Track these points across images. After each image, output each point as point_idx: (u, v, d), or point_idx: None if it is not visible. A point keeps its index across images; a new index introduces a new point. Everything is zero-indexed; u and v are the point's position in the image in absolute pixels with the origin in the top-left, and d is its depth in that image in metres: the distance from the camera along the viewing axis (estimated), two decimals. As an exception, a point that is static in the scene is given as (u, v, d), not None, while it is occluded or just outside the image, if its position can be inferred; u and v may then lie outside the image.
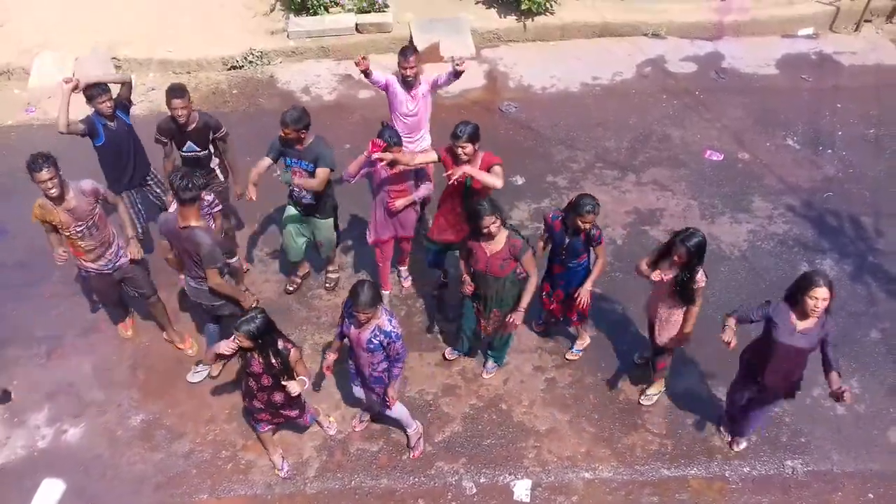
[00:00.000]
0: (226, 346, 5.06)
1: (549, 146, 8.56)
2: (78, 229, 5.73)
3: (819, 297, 4.88)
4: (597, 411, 6.31)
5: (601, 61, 9.66)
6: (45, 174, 5.43)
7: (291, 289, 7.11)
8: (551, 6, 9.92)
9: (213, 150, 6.62)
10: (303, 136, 6.02)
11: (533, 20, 9.93)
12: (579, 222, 5.57)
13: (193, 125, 6.41)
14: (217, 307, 5.92)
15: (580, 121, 8.86)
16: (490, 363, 6.48)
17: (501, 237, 5.52)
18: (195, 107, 6.55)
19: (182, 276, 5.92)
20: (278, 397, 5.33)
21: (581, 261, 5.91)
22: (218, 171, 6.73)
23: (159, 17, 9.94)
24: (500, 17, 10.01)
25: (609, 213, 7.79)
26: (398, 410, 5.74)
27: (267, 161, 6.17)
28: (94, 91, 6.25)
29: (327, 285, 7.15)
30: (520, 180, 8.14)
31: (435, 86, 6.76)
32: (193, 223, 5.44)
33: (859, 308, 6.99)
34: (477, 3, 10.20)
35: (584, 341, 6.60)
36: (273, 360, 5.05)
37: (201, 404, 6.33)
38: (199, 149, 6.51)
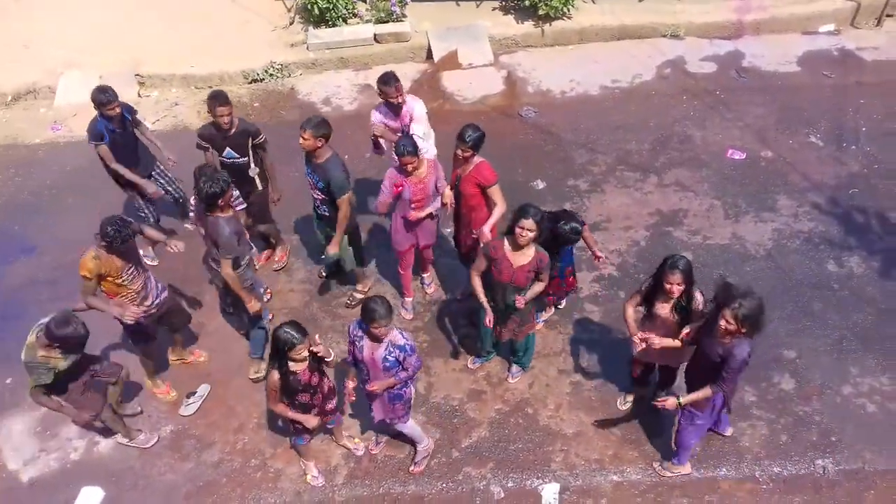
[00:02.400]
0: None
1: (569, 150, 8.56)
2: (129, 271, 5.71)
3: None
4: (623, 413, 6.28)
5: (620, 64, 9.64)
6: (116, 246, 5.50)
7: (325, 273, 7.28)
8: (568, 10, 9.92)
9: (251, 158, 6.72)
10: (319, 145, 6.05)
11: (550, 25, 9.93)
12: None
13: (233, 131, 6.55)
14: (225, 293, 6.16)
15: (600, 124, 8.85)
16: (514, 368, 6.48)
17: (531, 249, 5.49)
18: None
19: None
20: (326, 388, 5.39)
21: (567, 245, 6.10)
22: (257, 180, 6.83)
23: (181, 33, 10.09)
24: (518, 22, 10.03)
25: (631, 214, 7.78)
26: (410, 427, 5.76)
27: None
28: (102, 98, 6.51)
29: (348, 301, 7.16)
30: (541, 184, 8.14)
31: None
32: (219, 213, 5.66)
33: (889, 304, 6.90)
34: (494, 9, 10.23)
35: (549, 312, 6.78)
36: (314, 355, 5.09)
37: (229, 414, 6.39)
38: (237, 155, 6.63)
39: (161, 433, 6.28)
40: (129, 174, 6.86)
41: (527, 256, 5.49)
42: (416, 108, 6.64)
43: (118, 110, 6.61)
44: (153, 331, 6.17)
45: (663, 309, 5.32)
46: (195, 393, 6.48)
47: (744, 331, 4.76)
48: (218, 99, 6.40)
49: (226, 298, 6.30)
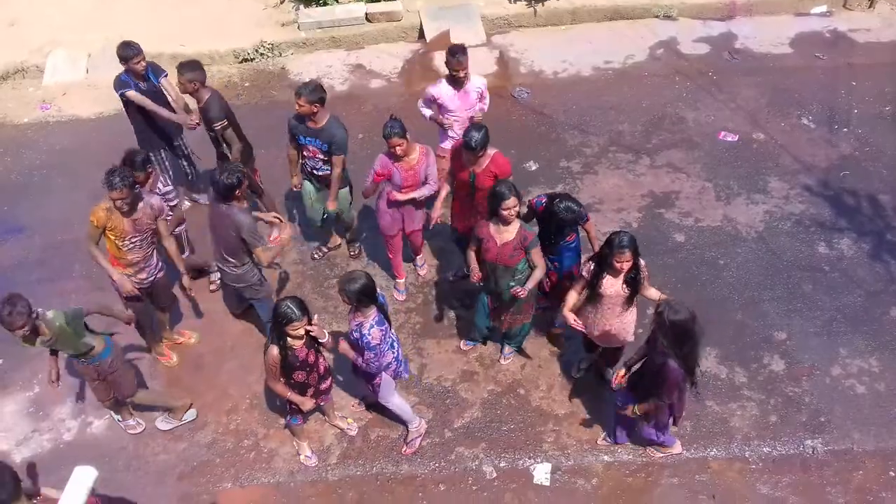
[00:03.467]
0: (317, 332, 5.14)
1: (561, 131, 8.54)
2: (132, 240, 5.70)
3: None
4: (615, 394, 6.31)
5: (613, 44, 9.61)
6: (116, 194, 5.39)
7: (317, 256, 7.33)
8: (561, -10, 9.88)
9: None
10: (315, 110, 6.09)
11: (543, 5, 9.88)
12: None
13: (201, 105, 6.59)
14: (241, 289, 6.15)
15: (593, 105, 8.83)
16: (507, 349, 6.50)
17: (514, 227, 5.53)
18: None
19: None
20: (322, 367, 5.42)
21: (570, 241, 6.00)
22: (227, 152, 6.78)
23: (170, 11, 9.98)
24: (510, 2, 9.97)
25: (624, 196, 7.78)
26: (397, 404, 5.78)
27: (293, 151, 6.44)
28: (128, 52, 6.50)
29: (352, 253, 7.33)
30: (533, 166, 8.14)
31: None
32: (236, 203, 5.66)
33: (878, 287, 6.95)
34: (486, -11, 10.17)
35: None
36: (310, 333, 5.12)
37: (222, 395, 6.40)
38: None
39: (154, 414, 6.28)
40: (166, 113, 6.76)
41: (510, 233, 5.53)
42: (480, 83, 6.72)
43: (143, 64, 6.61)
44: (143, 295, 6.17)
45: (612, 286, 5.35)
46: (170, 412, 6.25)
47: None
48: (178, 68, 6.50)
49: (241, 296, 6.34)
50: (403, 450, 6.02)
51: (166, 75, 6.96)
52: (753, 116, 8.62)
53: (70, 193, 7.69)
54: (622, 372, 5.37)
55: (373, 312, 5.09)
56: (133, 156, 5.79)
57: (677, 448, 5.88)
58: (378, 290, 5.20)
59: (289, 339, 5.00)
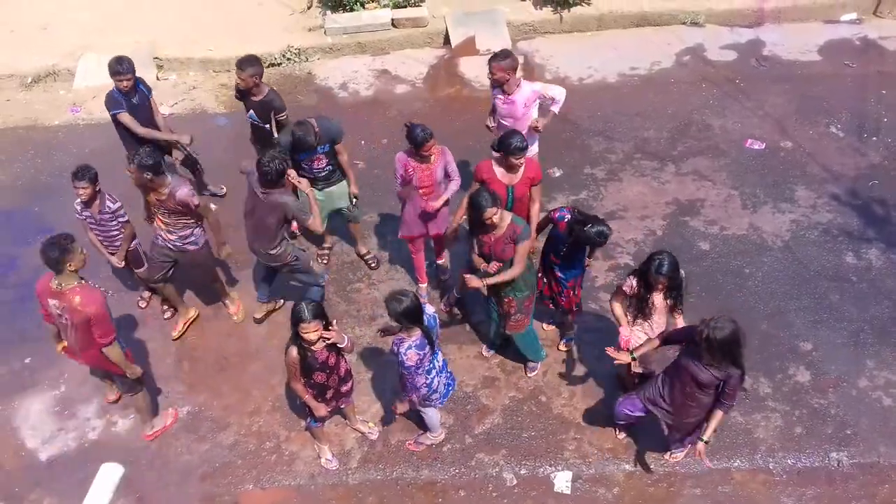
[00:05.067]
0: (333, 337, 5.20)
1: (586, 137, 8.52)
2: (162, 211, 6.14)
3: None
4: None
5: (639, 51, 9.57)
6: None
7: (325, 262, 7.35)
8: (587, -4, 9.86)
9: (273, 127, 6.89)
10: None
11: (569, 11, 9.86)
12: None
13: (259, 98, 6.79)
14: (280, 268, 6.44)
15: (618, 111, 8.80)
16: (530, 363, 6.46)
17: (504, 222, 5.51)
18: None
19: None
20: (343, 370, 5.44)
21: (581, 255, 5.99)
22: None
23: (199, 16, 10.10)
24: (536, 8, 9.97)
25: (648, 203, 7.74)
26: (430, 415, 5.78)
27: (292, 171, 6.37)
28: (118, 67, 6.66)
29: (372, 265, 7.34)
30: (557, 172, 8.11)
31: (541, 98, 6.63)
32: (278, 189, 5.92)
33: (907, 298, 6.86)
34: (512, -5, 10.18)
35: (573, 329, 6.61)
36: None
37: (245, 397, 6.44)
38: (259, 120, 6.92)
39: (177, 414, 6.34)
40: (157, 134, 6.99)
41: (501, 230, 5.52)
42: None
43: (130, 83, 6.74)
44: (163, 267, 6.47)
45: (658, 298, 5.36)
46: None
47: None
48: (237, 62, 6.71)
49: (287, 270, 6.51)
50: (407, 443, 6.06)
51: (152, 93, 7.14)
52: (781, 124, 8.53)
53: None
54: (625, 334, 5.42)
55: (416, 333, 5.04)
56: (82, 170, 5.99)
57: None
58: (429, 314, 5.19)
59: (303, 340, 5.03)
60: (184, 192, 6.02)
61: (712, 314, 4.81)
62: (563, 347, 6.60)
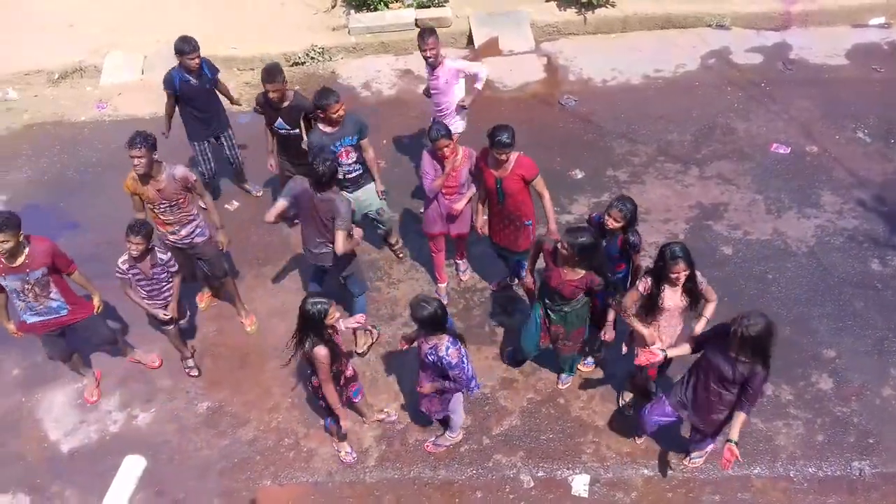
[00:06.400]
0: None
1: (609, 139, 8.48)
2: (162, 206, 6.09)
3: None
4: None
5: (663, 53, 9.51)
6: (135, 151, 5.80)
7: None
8: (612, -2, 9.82)
9: (303, 131, 6.89)
10: (343, 113, 6.27)
11: (593, 12, 9.83)
12: (607, 219, 5.51)
13: (285, 104, 6.73)
14: (332, 269, 6.29)
15: (642, 113, 8.75)
16: (563, 375, 6.40)
17: (582, 269, 5.42)
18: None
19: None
20: (342, 349, 5.49)
21: (619, 270, 5.83)
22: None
23: (223, 15, 10.17)
24: (560, 10, 9.94)
25: (672, 207, 7.69)
26: (457, 417, 5.80)
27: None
28: (184, 47, 6.79)
29: (400, 255, 7.39)
30: (579, 174, 8.08)
31: (464, 75, 6.93)
32: (331, 190, 5.84)
33: (934, 306, 6.76)
34: (536, -4, 10.16)
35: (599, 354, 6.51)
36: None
37: (265, 393, 6.47)
38: (289, 126, 6.83)
39: (198, 409, 6.39)
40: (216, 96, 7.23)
41: (576, 274, 5.42)
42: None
43: (197, 62, 6.89)
44: (188, 266, 6.53)
45: (672, 298, 5.28)
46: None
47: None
48: (266, 74, 6.62)
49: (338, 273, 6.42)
50: (426, 444, 6.06)
51: (219, 73, 7.28)
52: (807, 128, 8.44)
53: (122, 191, 7.82)
54: (658, 354, 5.23)
55: (445, 335, 5.09)
56: (139, 225, 5.75)
57: (711, 445, 5.78)
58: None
59: (329, 330, 5.11)
60: (181, 168, 6.07)
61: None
62: (586, 369, 6.51)
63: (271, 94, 6.59)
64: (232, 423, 6.30)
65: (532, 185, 6.03)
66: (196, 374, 6.60)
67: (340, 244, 5.80)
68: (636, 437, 6.01)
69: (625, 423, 6.13)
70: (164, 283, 6.00)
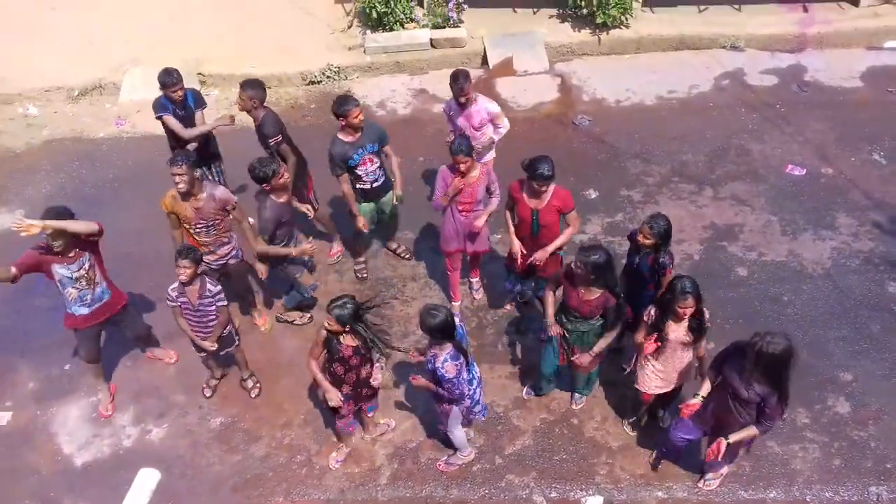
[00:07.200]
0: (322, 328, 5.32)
1: (623, 160, 8.49)
2: (199, 227, 6.16)
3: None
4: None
5: (677, 74, 9.54)
6: (176, 168, 5.85)
7: (364, 275, 7.40)
8: (626, 19, 9.86)
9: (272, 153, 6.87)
10: (361, 118, 6.34)
11: (608, 34, 9.88)
12: (639, 234, 5.53)
13: (256, 124, 6.81)
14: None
15: (656, 134, 8.76)
16: (577, 395, 6.37)
17: (598, 287, 5.41)
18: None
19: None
20: (365, 372, 5.50)
21: (648, 290, 5.79)
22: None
23: (241, 34, 10.29)
24: (574, 31, 10.00)
25: (685, 227, 7.67)
26: (458, 436, 5.79)
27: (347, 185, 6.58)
28: (167, 80, 6.82)
29: (405, 257, 7.53)
30: (593, 194, 8.09)
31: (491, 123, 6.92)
32: (272, 195, 6.14)
33: (952, 330, 6.70)
34: (551, 17, 10.22)
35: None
36: (364, 339, 5.29)
37: (277, 410, 6.48)
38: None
39: (211, 425, 6.40)
40: (202, 128, 7.10)
41: (592, 294, 5.42)
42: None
43: (181, 94, 6.91)
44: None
45: (675, 332, 5.26)
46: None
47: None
48: (241, 84, 6.78)
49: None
50: (438, 463, 6.05)
51: (205, 107, 7.27)
52: (822, 150, 8.43)
53: (140, 207, 7.93)
54: (697, 402, 5.18)
55: (448, 346, 5.09)
56: (187, 250, 5.71)
57: (726, 467, 5.73)
58: (459, 325, 5.23)
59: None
60: (221, 189, 6.17)
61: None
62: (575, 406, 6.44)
63: (237, 102, 6.81)
64: (244, 439, 6.30)
65: (568, 216, 6.02)
66: (209, 394, 6.60)
67: (255, 245, 6.26)
68: (651, 456, 5.96)
69: (640, 445, 6.09)
70: (210, 316, 5.93)
